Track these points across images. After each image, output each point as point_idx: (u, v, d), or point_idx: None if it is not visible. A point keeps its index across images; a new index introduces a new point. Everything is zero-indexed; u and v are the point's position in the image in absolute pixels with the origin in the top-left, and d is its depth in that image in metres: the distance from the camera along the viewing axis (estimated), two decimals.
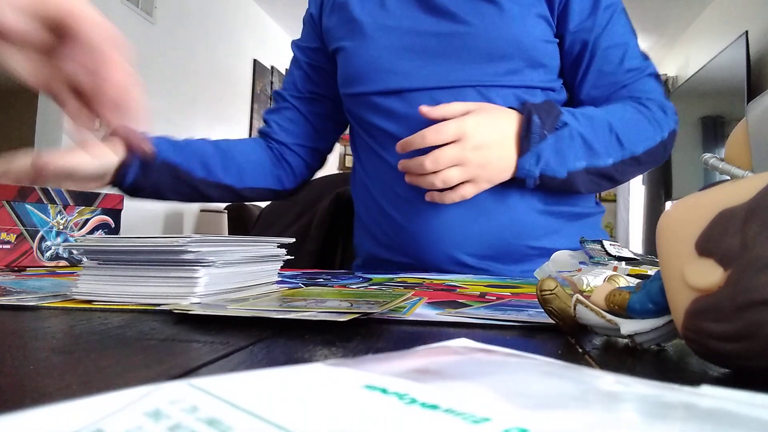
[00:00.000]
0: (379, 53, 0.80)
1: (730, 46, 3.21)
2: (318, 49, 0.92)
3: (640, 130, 0.76)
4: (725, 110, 3.37)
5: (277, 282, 0.52)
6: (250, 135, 4.53)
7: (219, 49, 4.01)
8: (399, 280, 0.63)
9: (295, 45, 0.98)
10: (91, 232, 0.78)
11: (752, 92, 2.96)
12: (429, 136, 0.67)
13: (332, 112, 0.94)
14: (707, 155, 0.31)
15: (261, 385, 0.13)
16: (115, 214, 0.82)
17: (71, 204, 0.75)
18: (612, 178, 0.75)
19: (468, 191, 0.70)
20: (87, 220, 0.77)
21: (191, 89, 3.66)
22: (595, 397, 0.12)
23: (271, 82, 4.86)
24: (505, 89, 0.77)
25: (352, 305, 0.35)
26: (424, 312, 0.37)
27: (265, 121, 0.98)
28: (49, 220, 0.73)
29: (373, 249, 0.86)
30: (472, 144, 0.68)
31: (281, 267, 0.52)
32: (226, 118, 4.11)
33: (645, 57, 0.82)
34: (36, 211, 0.72)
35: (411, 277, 0.68)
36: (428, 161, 0.67)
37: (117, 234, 0.79)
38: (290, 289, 0.49)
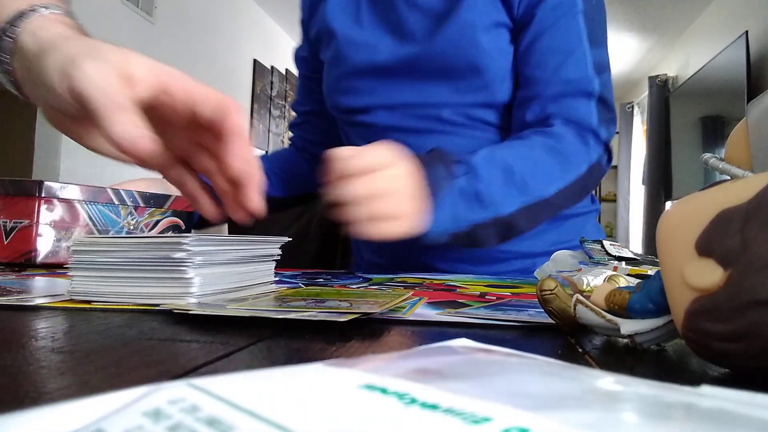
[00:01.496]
0: (348, 70, 0.80)
1: (730, 46, 3.21)
2: (313, 58, 0.93)
3: (548, 171, 0.68)
4: (725, 110, 3.37)
5: (277, 282, 0.52)
6: (250, 135, 4.53)
7: (219, 49, 4.02)
8: (399, 280, 0.63)
9: (296, 56, 0.98)
10: (162, 233, 0.79)
11: (752, 92, 2.96)
12: (349, 166, 0.59)
13: None
14: (707, 155, 0.31)
15: (261, 385, 0.13)
16: (186, 216, 0.82)
17: (142, 205, 0.76)
18: (514, 226, 0.66)
19: (387, 230, 0.59)
20: (157, 222, 0.78)
21: None
22: (595, 397, 0.12)
23: (271, 82, 4.86)
24: (465, 107, 0.75)
25: (351, 305, 0.35)
26: (424, 312, 0.37)
27: (292, 134, 1.00)
28: (119, 220, 0.74)
29: (367, 254, 0.88)
30: (397, 179, 0.59)
31: (282, 267, 0.52)
32: None
33: (596, 70, 0.72)
34: (107, 211, 0.73)
35: (411, 277, 0.68)
36: (357, 185, 0.58)
37: None
38: (290, 288, 0.49)
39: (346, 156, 0.57)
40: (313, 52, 0.91)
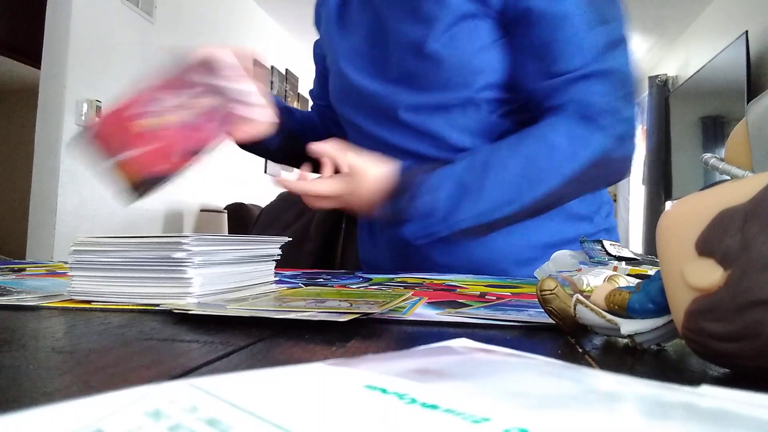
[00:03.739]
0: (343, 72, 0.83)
1: (730, 46, 3.21)
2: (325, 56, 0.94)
3: (536, 172, 0.65)
4: (725, 110, 3.37)
5: (277, 282, 0.52)
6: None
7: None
8: (399, 280, 0.63)
9: (313, 50, 1.00)
10: None
11: (752, 92, 2.96)
12: (299, 188, 0.68)
13: None
14: (707, 155, 0.31)
15: (261, 385, 0.13)
16: None
17: None
18: (495, 226, 0.67)
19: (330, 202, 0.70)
20: None
21: None
22: (595, 396, 0.12)
23: (271, 82, 4.86)
24: (446, 110, 0.74)
25: (351, 305, 0.35)
26: (424, 312, 0.37)
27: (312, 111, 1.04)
28: None
29: (373, 253, 0.88)
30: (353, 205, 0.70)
31: (282, 267, 0.52)
32: None
33: (607, 48, 0.66)
34: None
35: (411, 277, 0.68)
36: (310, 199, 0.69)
37: None
38: (290, 289, 0.49)
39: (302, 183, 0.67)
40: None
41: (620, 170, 0.70)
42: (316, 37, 0.96)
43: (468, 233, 0.67)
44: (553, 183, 0.65)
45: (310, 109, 1.03)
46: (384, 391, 0.12)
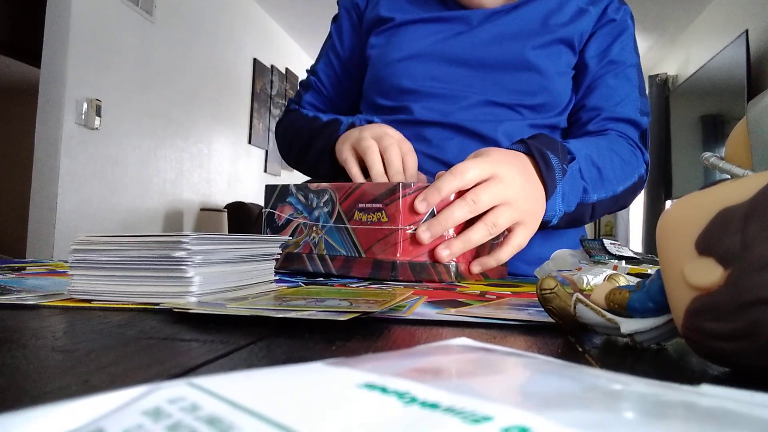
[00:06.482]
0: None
1: (730, 45, 3.21)
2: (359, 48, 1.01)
3: (622, 168, 0.77)
4: (725, 109, 3.37)
5: (277, 281, 0.52)
6: (250, 134, 4.54)
7: (219, 49, 4.02)
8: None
9: (338, 39, 1.04)
10: None
11: (752, 91, 2.96)
12: (450, 182, 0.56)
13: None
14: (707, 154, 0.31)
15: (261, 384, 0.13)
16: None
17: None
18: (593, 212, 0.76)
19: (522, 238, 0.61)
20: None
21: (191, 88, 3.66)
22: (595, 396, 0.12)
23: (271, 81, 4.86)
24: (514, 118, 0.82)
25: (351, 304, 0.35)
26: (423, 311, 0.37)
27: (296, 100, 1.04)
28: None
29: None
30: (508, 179, 0.58)
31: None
32: (226, 118, 4.12)
33: (642, 114, 0.84)
34: None
35: None
36: (469, 199, 0.56)
37: None
38: (290, 288, 0.49)
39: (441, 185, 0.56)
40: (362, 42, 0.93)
41: (630, 201, 0.83)
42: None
43: (576, 213, 0.71)
44: (626, 185, 0.78)
45: (307, 94, 0.99)
46: (384, 390, 0.12)
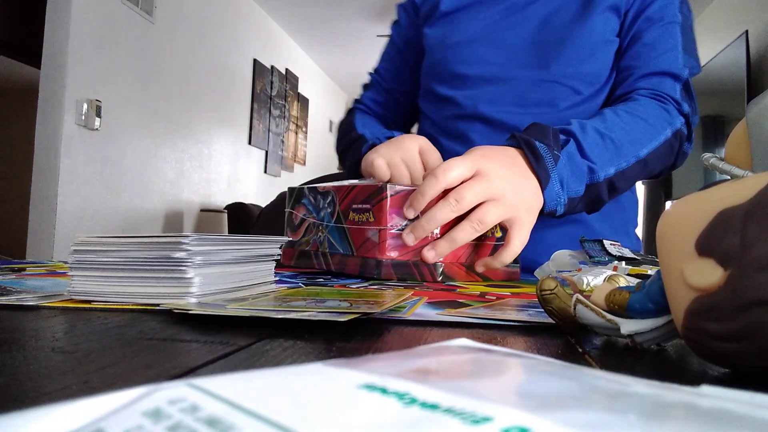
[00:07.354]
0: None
1: (730, 46, 3.21)
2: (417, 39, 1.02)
3: (645, 130, 0.73)
4: (725, 110, 3.37)
5: (277, 281, 0.52)
6: (250, 134, 4.54)
7: (219, 49, 4.02)
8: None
9: (397, 32, 1.07)
10: None
11: (752, 92, 2.96)
12: (433, 184, 0.56)
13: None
14: (707, 155, 0.31)
15: (261, 385, 0.13)
16: None
17: None
18: (614, 186, 0.70)
19: (521, 237, 0.60)
20: None
21: (191, 89, 3.66)
22: (595, 396, 0.12)
23: (271, 82, 4.86)
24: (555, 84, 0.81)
25: (351, 305, 0.35)
26: (424, 312, 0.37)
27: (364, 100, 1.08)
28: None
29: None
30: (492, 174, 0.57)
31: (282, 267, 0.52)
32: (226, 118, 4.12)
33: (686, 67, 0.79)
34: None
35: None
36: (451, 198, 0.55)
37: None
38: (290, 288, 0.49)
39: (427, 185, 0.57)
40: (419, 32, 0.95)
41: (678, 158, 0.79)
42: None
43: (597, 190, 0.68)
44: (651, 146, 0.73)
45: (368, 91, 1.03)
46: (384, 391, 0.12)
